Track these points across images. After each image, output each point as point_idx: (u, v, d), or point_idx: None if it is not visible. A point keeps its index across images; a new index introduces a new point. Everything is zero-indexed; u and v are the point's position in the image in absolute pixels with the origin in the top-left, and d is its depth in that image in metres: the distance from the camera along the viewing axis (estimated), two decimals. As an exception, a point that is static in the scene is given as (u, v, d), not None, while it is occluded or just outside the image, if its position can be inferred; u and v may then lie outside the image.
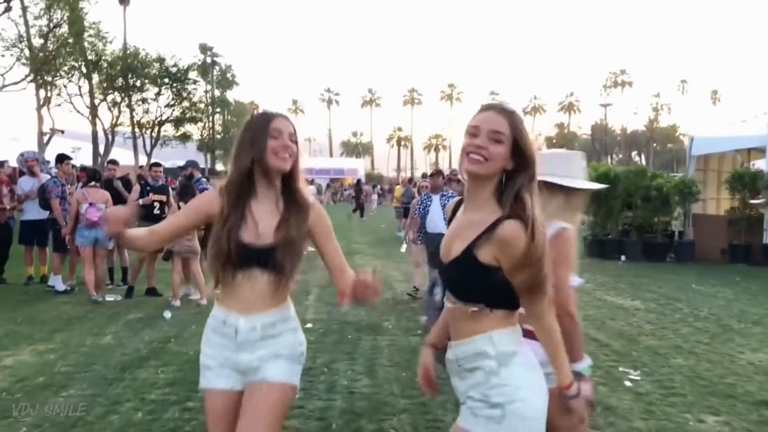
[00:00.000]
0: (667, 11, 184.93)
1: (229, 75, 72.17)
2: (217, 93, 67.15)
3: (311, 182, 24.37)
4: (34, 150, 10.33)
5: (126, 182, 10.27)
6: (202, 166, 60.22)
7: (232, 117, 68.22)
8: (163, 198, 8.80)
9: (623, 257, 13.20)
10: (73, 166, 12.18)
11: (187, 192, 8.40)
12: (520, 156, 1.92)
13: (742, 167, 16.43)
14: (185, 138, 47.09)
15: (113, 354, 6.01)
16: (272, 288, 2.25)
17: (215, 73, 67.95)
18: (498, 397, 1.89)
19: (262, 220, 2.25)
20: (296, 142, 2.33)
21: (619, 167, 14.09)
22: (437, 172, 9.06)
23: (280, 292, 2.28)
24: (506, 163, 1.92)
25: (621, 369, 5.54)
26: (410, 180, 22.30)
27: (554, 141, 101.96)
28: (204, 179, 9.38)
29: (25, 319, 7.52)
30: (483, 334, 1.94)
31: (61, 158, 9.57)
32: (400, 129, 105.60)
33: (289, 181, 2.34)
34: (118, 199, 9.07)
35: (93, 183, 8.59)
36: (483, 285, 1.92)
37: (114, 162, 9.57)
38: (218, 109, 66.78)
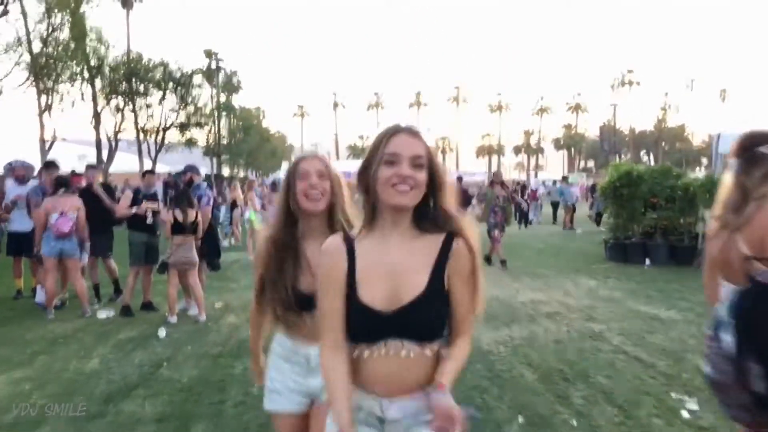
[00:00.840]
0: (674, 9, 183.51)
1: (234, 80, 71.73)
2: (222, 98, 66.81)
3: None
4: (23, 159, 9.63)
5: (107, 188, 9.65)
6: (207, 171, 59.69)
7: (238, 122, 67.85)
8: (156, 206, 8.16)
9: (648, 261, 12.48)
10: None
11: (182, 199, 7.77)
12: (437, 174, 1.84)
13: None
14: (191, 143, 46.71)
15: (98, 382, 5.37)
16: None
17: (220, 78, 67.57)
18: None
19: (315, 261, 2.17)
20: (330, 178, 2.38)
21: (641, 166, 13.35)
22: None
23: None
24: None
25: (674, 396, 4.85)
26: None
27: (562, 142, 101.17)
28: (205, 185, 8.72)
29: (6, 338, 6.91)
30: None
31: (48, 165, 8.95)
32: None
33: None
34: (97, 205, 8.43)
35: (63, 190, 7.95)
36: (445, 318, 1.82)
37: (93, 167, 8.89)
38: (224, 114, 66.30)
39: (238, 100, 72.41)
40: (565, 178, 24.26)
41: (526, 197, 25.53)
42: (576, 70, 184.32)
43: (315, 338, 2.07)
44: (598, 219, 21.67)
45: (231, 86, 69.44)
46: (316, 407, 2.39)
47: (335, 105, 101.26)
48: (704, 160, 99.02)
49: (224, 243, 17.51)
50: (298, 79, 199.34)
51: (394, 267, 1.79)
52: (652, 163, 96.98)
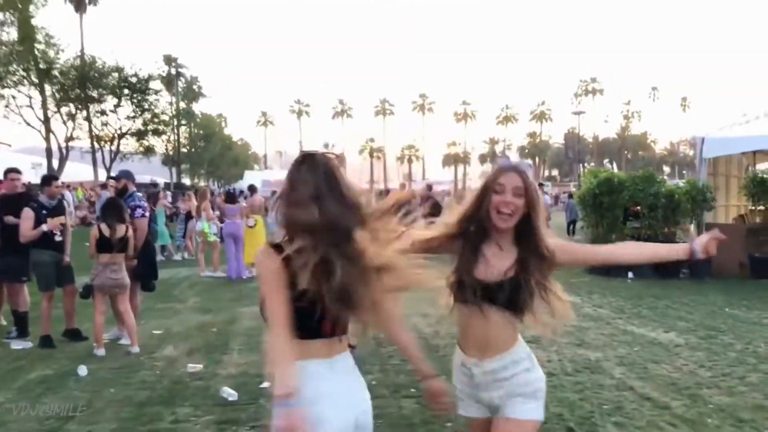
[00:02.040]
0: (637, 18, 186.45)
1: (195, 87, 70.09)
2: (183, 105, 65.13)
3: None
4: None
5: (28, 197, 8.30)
6: (166, 180, 57.90)
7: (199, 130, 66.20)
8: (63, 219, 6.96)
9: (630, 274, 11.68)
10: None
11: (113, 211, 6.65)
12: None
13: (747, 171, 15.18)
14: (149, 151, 45.10)
15: (-19, 445, 4.24)
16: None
17: (181, 84, 65.96)
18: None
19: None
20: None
21: (621, 173, 12.58)
22: None
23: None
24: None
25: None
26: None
27: (527, 150, 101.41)
28: (138, 195, 7.58)
29: None
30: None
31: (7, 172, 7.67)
32: (372, 140, 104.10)
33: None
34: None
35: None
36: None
37: (15, 170, 7.62)
38: (184, 122, 64.61)
39: (199, 107, 70.83)
40: (541, 185, 23.57)
41: None
42: (540, 79, 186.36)
43: (480, 351, 2.38)
44: (571, 228, 21.00)
45: (192, 93, 67.81)
46: (495, 420, 2.42)
47: (299, 113, 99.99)
48: (666, 168, 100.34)
49: (176, 257, 16.33)
50: (262, 86, 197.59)
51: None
52: (615, 171, 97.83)
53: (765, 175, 11.56)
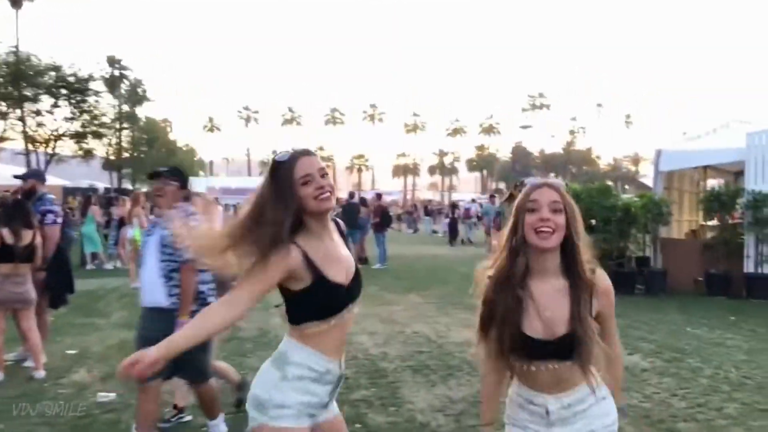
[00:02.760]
0: (583, 35, 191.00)
1: (139, 90, 67.96)
2: (126, 108, 63.14)
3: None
4: None
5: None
6: (107, 185, 56.01)
7: (143, 134, 64.29)
8: None
9: (585, 289, 11.27)
10: None
11: (18, 215, 5.82)
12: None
13: (698, 186, 15.07)
14: (88, 154, 43.33)
15: None
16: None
17: (124, 87, 63.89)
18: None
19: None
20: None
21: (575, 185, 12.21)
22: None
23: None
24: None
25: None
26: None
27: (474, 163, 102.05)
28: (50, 197, 6.70)
29: None
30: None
31: None
32: (321, 148, 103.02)
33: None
34: None
35: None
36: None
37: None
38: (126, 125, 62.62)
39: (143, 111, 68.86)
40: (492, 197, 23.23)
41: (456, 215, 26.28)
42: (489, 93, 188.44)
43: (552, 389, 2.12)
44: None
45: (136, 96, 65.72)
46: None
47: (248, 119, 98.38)
48: (609, 183, 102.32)
49: (108, 265, 15.31)
50: (209, 91, 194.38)
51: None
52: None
53: (721, 190, 11.31)
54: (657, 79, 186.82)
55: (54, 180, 39.08)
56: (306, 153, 2.28)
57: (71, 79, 35.40)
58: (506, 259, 2.14)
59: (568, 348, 2.05)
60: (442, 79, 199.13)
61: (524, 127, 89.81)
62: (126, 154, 61.75)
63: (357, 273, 2.39)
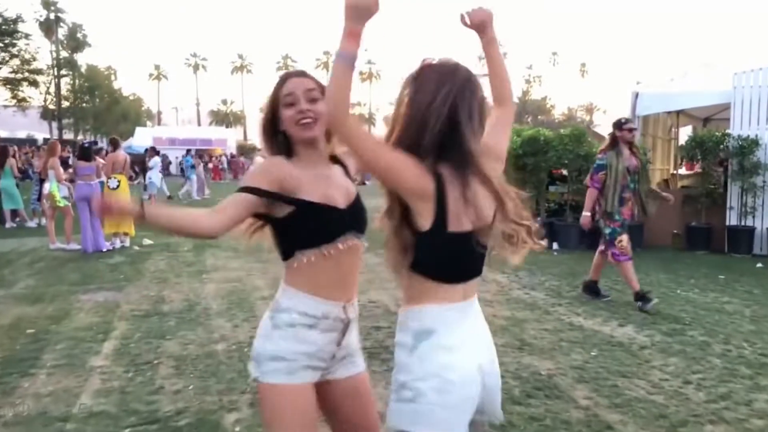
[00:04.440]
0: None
1: (79, 35, 64.20)
2: (65, 54, 59.71)
3: (157, 153, 19.76)
4: None
5: None
6: (46, 135, 53.43)
7: (84, 82, 61.08)
8: None
9: (555, 245, 10.36)
10: None
11: None
12: None
13: (670, 132, 14.23)
14: (23, 103, 40.78)
15: None
16: None
17: (62, 32, 60.28)
18: None
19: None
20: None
21: (546, 130, 11.16)
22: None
23: None
24: None
25: None
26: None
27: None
28: None
29: None
30: None
31: None
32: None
33: None
34: None
35: None
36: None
37: None
38: (65, 72, 59.33)
39: (84, 58, 65.46)
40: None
41: None
42: (445, 39, 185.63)
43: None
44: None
45: (75, 41, 62.14)
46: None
47: (196, 67, 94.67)
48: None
49: (31, 223, 13.81)
50: (155, 37, 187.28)
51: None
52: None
53: (705, 135, 10.38)
54: (611, 26, 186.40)
55: (-17, 130, 36.58)
56: (298, 74, 2.12)
57: (-3, 20, 32.75)
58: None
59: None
60: (398, 25, 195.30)
61: (480, 76, 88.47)
62: (66, 103, 58.76)
63: (359, 203, 2.13)
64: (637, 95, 10.71)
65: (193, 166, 23.41)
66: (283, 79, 2.08)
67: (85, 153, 10.00)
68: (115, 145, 10.76)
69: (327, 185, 2.04)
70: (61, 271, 8.44)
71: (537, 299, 6.89)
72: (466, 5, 2.19)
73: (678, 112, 13.26)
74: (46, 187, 10.50)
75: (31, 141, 44.58)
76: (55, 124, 54.93)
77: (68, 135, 55.89)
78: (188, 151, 28.18)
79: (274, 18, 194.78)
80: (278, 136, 2.08)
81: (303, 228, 1.97)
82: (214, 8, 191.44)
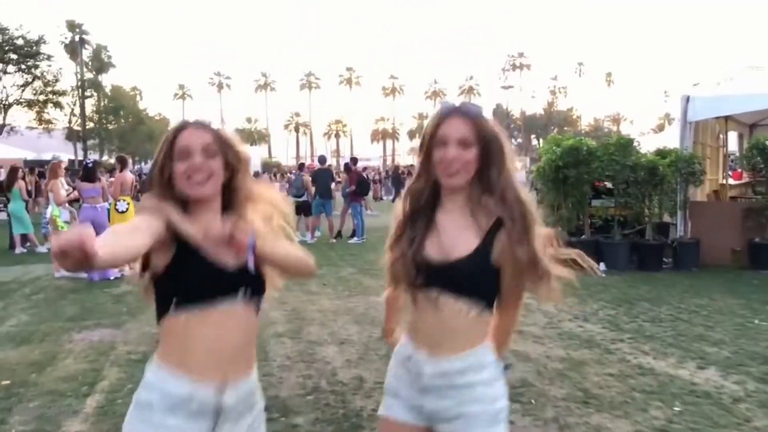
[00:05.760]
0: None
1: (104, 56, 64.59)
2: (90, 76, 60.05)
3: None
4: None
5: None
6: (71, 157, 53.52)
7: (109, 103, 61.31)
8: None
9: (602, 266, 9.38)
10: None
11: None
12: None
13: (718, 140, 13.21)
14: (47, 125, 40.67)
15: None
16: None
17: (87, 53, 60.71)
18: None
19: None
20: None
21: (589, 140, 10.22)
22: None
23: None
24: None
25: None
26: (301, 166, 17.85)
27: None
28: None
29: None
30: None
31: None
32: (298, 114, 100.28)
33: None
34: None
35: None
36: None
37: None
38: (90, 93, 59.50)
39: (109, 79, 65.96)
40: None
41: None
42: (468, 54, 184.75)
43: (432, 345, 1.85)
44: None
45: (99, 62, 62.53)
46: None
47: (220, 86, 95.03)
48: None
49: (42, 248, 13.15)
50: (179, 57, 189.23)
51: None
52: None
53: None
54: (638, 36, 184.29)
55: (14, 152, 36.47)
56: (198, 125, 1.82)
57: (19, 41, 32.65)
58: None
59: (461, 277, 1.81)
60: (420, 40, 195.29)
61: (506, 88, 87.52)
62: (91, 124, 58.97)
63: (256, 266, 1.78)
64: (688, 99, 9.72)
65: None
66: (179, 129, 1.80)
67: (89, 173, 9.29)
68: (123, 164, 10.05)
69: (220, 240, 1.75)
70: (60, 304, 7.69)
71: (593, 334, 5.95)
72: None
73: (726, 118, 12.27)
74: (48, 210, 9.80)
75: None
76: (80, 145, 55.09)
77: (93, 155, 56.02)
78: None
79: (297, 35, 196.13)
80: (171, 191, 1.78)
81: (180, 279, 1.70)
82: (237, 27, 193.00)
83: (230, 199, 1.84)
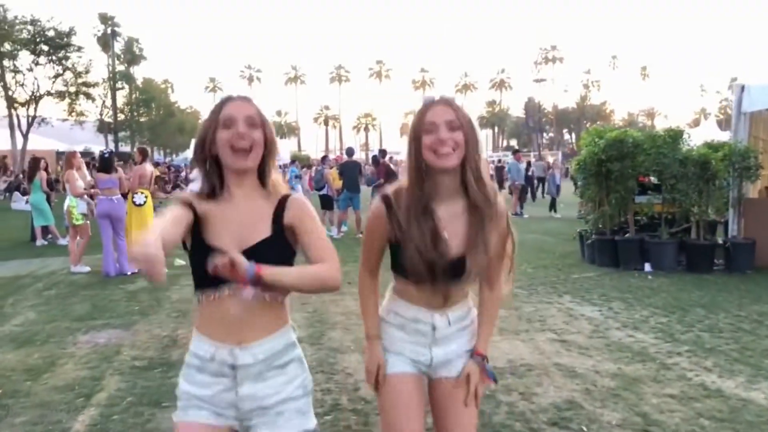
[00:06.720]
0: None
1: (135, 48, 64.96)
2: (121, 68, 60.38)
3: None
4: None
5: None
6: (102, 148, 54.21)
7: (140, 95, 61.64)
8: None
9: (648, 266, 8.74)
10: None
11: None
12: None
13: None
14: (78, 116, 40.85)
15: None
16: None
17: (118, 46, 61.03)
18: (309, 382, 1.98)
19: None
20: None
21: (635, 131, 9.56)
22: None
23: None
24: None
25: None
26: (324, 158, 17.16)
27: (485, 119, 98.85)
28: None
29: None
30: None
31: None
32: (327, 107, 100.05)
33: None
34: None
35: None
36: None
37: None
38: (121, 85, 59.85)
39: (141, 71, 66.31)
40: (516, 151, 20.55)
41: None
42: (500, 46, 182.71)
43: (437, 306, 2.12)
44: (553, 204, 18.14)
45: (131, 55, 62.91)
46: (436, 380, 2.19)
47: (250, 79, 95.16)
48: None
49: (62, 241, 12.86)
50: (210, 49, 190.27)
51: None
52: (574, 141, 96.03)
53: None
54: (674, 28, 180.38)
55: (46, 143, 36.62)
56: (243, 98, 1.94)
57: (50, 33, 32.72)
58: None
59: (461, 269, 2.01)
60: (451, 33, 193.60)
61: (538, 81, 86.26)
62: (122, 116, 59.34)
63: (259, 250, 1.81)
64: (743, 88, 8.99)
65: (298, 176, 19.18)
66: (225, 100, 1.93)
67: (106, 164, 8.89)
68: (143, 155, 9.65)
69: (229, 223, 1.87)
70: (70, 301, 7.29)
71: (646, 345, 5.33)
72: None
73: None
74: (66, 202, 9.44)
75: (88, 154, 44.88)
76: (111, 137, 55.46)
77: (124, 147, 56.34)
78: (293, 161, 25.47)
79: (327, 29, 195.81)
80: (209, 164, 1.91)
81: (194, 268, 1.88)
82: (268, 20, 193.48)
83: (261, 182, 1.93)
